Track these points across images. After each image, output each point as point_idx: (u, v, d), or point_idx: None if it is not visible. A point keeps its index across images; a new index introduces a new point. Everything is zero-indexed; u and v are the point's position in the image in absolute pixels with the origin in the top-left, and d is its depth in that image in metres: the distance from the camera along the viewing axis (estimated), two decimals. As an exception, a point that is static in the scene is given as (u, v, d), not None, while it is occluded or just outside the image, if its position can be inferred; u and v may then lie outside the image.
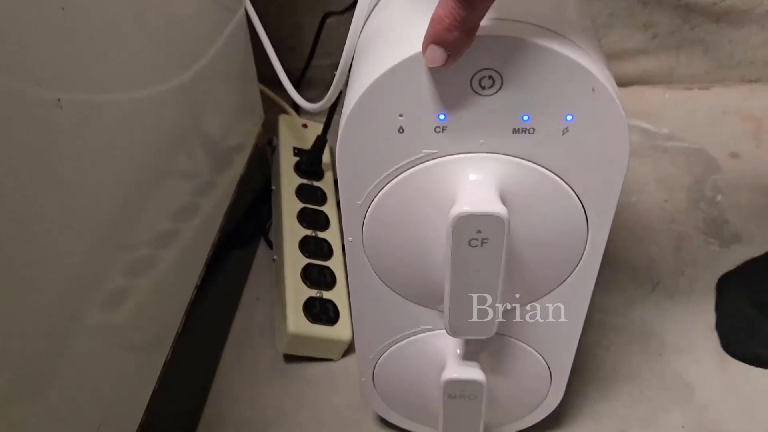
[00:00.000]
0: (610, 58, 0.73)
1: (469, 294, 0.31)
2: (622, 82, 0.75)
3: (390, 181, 0.30)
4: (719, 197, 0.63)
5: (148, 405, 0.39)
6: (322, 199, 0.58)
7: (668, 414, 0.47)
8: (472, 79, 0.26)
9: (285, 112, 0.67)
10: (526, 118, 0.27)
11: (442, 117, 0.28)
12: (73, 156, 0.30)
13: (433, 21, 0.24)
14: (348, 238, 0.33)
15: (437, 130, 0.28)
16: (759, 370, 0.49)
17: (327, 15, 0.69)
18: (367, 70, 0.28)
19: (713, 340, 0.51)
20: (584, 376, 0.49)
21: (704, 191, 0.63)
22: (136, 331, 0.38)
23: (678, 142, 0.69)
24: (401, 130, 0.28)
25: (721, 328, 0.51)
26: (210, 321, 0.53)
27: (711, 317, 0.53)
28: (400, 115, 0.28)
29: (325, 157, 0.62)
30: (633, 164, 0.68)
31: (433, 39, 0.24)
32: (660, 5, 0.71)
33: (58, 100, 0.28)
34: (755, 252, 0.55)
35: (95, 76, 0.32)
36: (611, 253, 0.57)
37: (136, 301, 0.38)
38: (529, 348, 0.38)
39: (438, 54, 0.24)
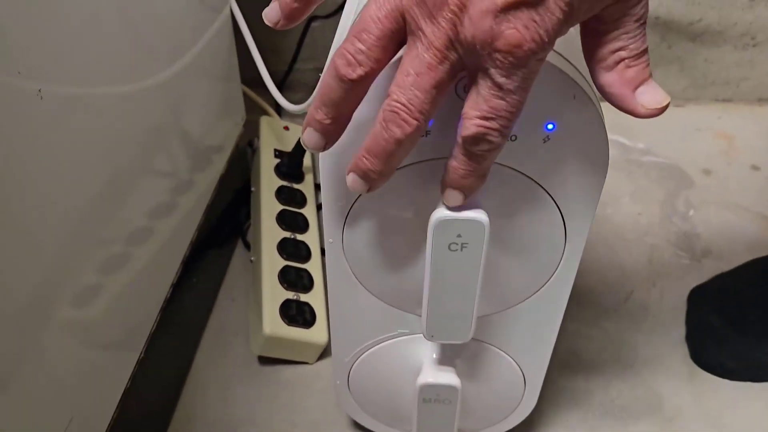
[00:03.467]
0: (590, 72, 0.74)
1: (447, 298, 0.31)
2: (600, 98, 0.77)
3: (372, 184, 0.30)
4: (691, 212, 0.64)
5: (120, 402, 0.38)
6: (301, 201, 0.58)
7: (638, 423, 0.48)
8: (456, 84, 0.27)
9: (267, 113, 0.67)
10: (508, 125, 0.28)
11: (426, 121, 0.28)
12: (52, 149, 0.30)
13: (449, 170, 0.26)
14: (328, 240, 0.33)
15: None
16: (726, 381, 0.50)
17: (312, 19, 0.69)
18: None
19: (683, 351, 0.52)
20: (557, 384, 0.49)
21: (677, 206, 0.65)
22: (109, 328, 0.38)
23: (653, 157, 0.70)
24: (385, 132, 0.28)
25: (690, 339, 0.52)
26: (185, 320, 0.53)
27: (681, 329, 0.54)
28: (385, 118, 0.28)
29: (306, 160, 0.62)
30: (609, 177, 0.69)
31: (451, 185, 0.26)
32: (639, 23, 0.73)
33: (39, 90, 0.28)
34: (725, 266, 0.57)
35: (77, 69, 0.31)
36: (586, 263, 0.58)
37: (111, 298, 0.37)
38: (505, 354, 0.38)
39: (456, 197, 0.27)
